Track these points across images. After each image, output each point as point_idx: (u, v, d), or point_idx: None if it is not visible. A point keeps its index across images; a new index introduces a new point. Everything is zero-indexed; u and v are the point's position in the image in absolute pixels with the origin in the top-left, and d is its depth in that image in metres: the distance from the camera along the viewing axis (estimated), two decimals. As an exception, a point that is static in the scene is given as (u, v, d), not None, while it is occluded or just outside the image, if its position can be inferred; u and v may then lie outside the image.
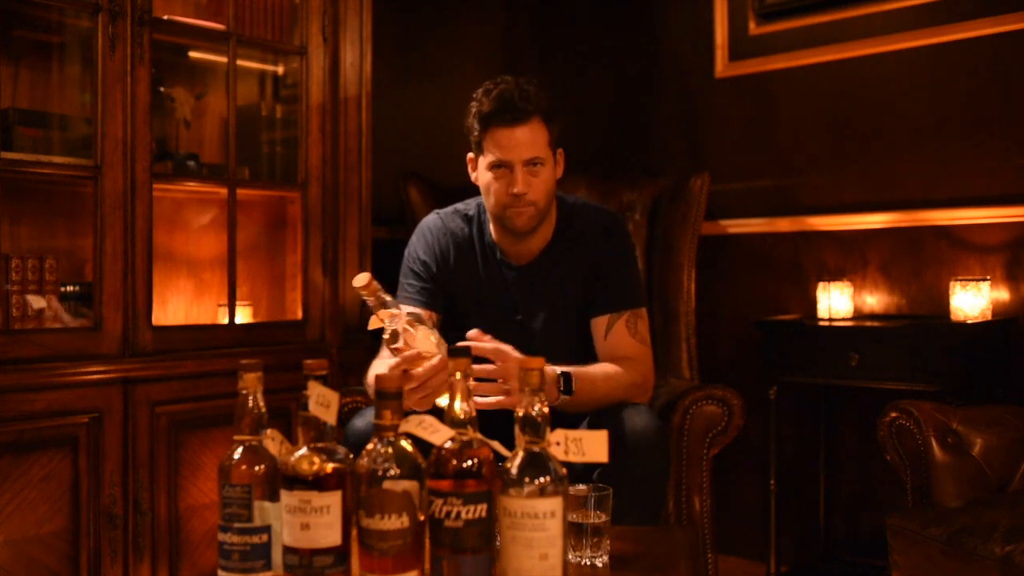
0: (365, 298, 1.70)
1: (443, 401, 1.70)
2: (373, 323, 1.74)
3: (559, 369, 1.84)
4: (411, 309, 1.78)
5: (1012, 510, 1.87)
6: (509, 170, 1.96)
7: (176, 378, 2.32)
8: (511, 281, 2.09)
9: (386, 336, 1.71)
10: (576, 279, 2.08)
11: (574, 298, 2.08)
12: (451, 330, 2.11)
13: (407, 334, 1.69)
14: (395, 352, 1.71)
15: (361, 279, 1.68)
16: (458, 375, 1.21)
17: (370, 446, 1.20)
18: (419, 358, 1.67)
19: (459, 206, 2.17)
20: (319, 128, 2.64)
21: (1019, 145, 2.64)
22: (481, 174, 2.02)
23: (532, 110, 1.95)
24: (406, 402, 1.66)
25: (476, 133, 1.99)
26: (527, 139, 1.95)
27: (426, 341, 1.70)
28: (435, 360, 1.67)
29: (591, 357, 2.01)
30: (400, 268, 2.15)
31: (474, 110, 1.98)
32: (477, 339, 1.75)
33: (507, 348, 1.76)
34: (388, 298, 1.71)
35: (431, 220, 2.16)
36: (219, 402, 2.34)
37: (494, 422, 1.52)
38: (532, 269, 2.09)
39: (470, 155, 2.06)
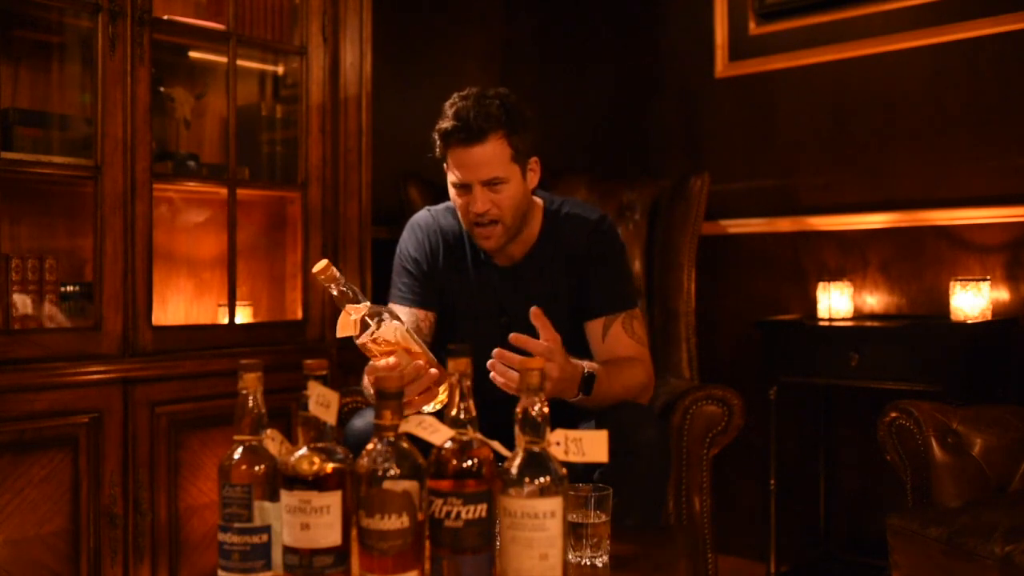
0: (326, 286, 1.62)
1: (428, 408, 1.66)
2: (342, 327, 1.64)
3: (587, 367, 1.81)
4: (376, 305, 1.70)
5: (1012, 510, 1.87)
6: (468, 190, 1.95)
7: (176, 378, 2.32)
8: (497, 282, 2.09)
9: (357, 339, 1.63)
10: (563, 281, 2.07)
11: (562, 299, 2.06)
12: (440, 329, 2.11)
13: (376, 333, 1.61)
14: (364, 350, 1.65)
15: (320, 264, 1.60)
16: (457, 375, 1.22)
17: (370, 446, 1.20)
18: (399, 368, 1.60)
19: (450, 203, 2.16)
20: (319, 128, 2.64)
21: (1019, 145, 2.65)
22: (449, 188, 2.01)
23: (489, 128, 1.90)
24: None
25: (438, 150, 1.98)
26: (485, 159, 1.92)
27: (397, 336, 1.62)
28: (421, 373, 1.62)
29: (581, 359, 1.99)
30: (392, 266, 2.14)
31: (437, 126, 1.96)
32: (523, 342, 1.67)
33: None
34: (352, 290, 1.63)
35: (422, 217, 2.15)
36: (219, 402, 2.34)
37: (494, 422, 1.52)
38: (517, 271, 2.08)
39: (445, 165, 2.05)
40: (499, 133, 1.92)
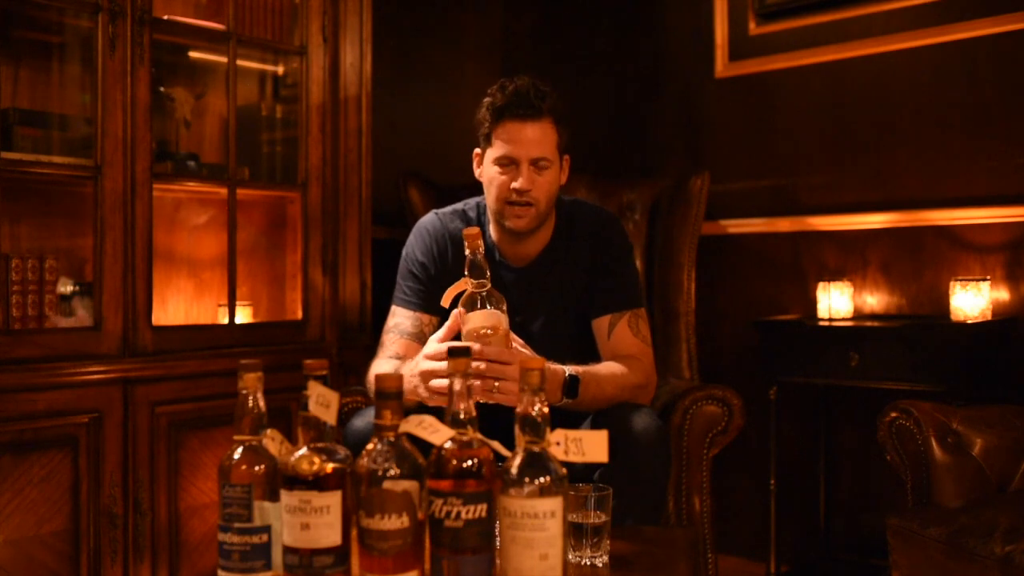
0: (469, 250, 1.70)
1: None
2: (448, 296, 1.75)
3: (568, 371, 1.81)
4: (494, 290, 1.75)
5: (1012, 510, 1.87)
6: (515, 166, 1.96)
7: (176, 378, 2.32)
8: (509, 283, 2.09)
9: (461, 306, 1.71)
10: (575, 281, 2.08)
11: (573, 300, 2.08)
12: None
13: (476, 313, 1.69)
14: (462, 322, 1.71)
15: (474, 229, 1.71)
16: (458, 375, 1.22)
17: (370, 446, 1.20)
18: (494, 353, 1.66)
19: (458, 206, 2.16)
20: (319, 128, 2.64)
21: (1019, 145, 2.65)
22: (486, 168, 2.02)
23: (546, 109, 1.96)
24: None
25: (487, 125, 1.99)
26: (537, 136, 1.95)
27: (493, 318, 1.69)
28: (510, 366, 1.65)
29: (590, 358, 2.00)
30: (398, 269, 2.15)
31: (487, 103, 1.99)
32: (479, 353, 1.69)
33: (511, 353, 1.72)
34: (483, 266, 1.70)
35: (429, 220, 2.16)
36: (219, 402, 2.35)
37: (494, 422, 1.52)
38: (530, 271, 2.09)
39: (476, 150, 2.05)
40: (551, 118, 1.97)
